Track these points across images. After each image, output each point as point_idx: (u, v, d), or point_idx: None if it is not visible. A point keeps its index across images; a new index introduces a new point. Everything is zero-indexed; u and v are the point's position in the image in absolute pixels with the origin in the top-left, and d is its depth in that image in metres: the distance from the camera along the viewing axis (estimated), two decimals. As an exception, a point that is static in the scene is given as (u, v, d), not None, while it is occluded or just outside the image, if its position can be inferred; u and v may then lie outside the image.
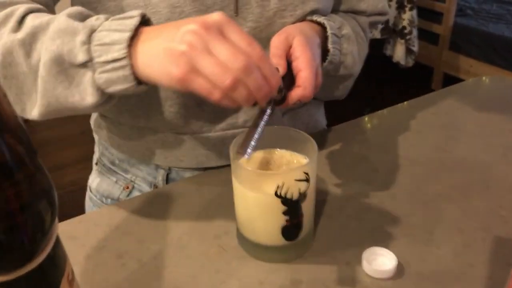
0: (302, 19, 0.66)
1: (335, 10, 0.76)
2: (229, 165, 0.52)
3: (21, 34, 0.49)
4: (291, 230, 0.51)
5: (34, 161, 0.29)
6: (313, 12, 0.66)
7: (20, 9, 0.51)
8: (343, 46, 0.68)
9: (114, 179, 0.74)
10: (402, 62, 2.43)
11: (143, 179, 0.72)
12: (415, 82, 3.02)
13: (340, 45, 0.67)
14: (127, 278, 0.51)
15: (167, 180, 0.71)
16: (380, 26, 2.26)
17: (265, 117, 0.49)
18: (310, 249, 0.54)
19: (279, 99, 0.52)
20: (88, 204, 0.79)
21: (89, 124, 0.77)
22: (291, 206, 0.49)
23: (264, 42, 0.62)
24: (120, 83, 0.48)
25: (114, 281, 0.50)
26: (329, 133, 0.78)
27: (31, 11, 0.52)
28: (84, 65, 0.48)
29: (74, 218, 0.59)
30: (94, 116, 0.75)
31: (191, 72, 0.43)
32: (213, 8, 0.60)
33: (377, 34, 2.27)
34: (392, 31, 2.32)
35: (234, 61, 0.43)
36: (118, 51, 0.46)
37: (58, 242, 0.33)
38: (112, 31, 0.47)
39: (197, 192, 0.64)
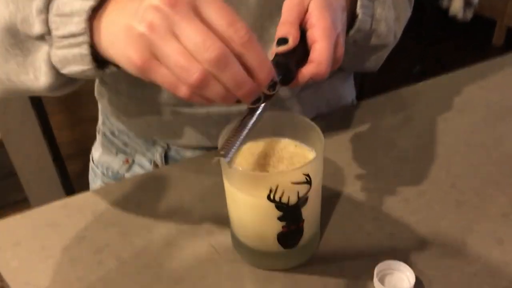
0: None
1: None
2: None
3: None
4: (289, 237, 0.43)
5: None
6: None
7: None
8: (376, 10, 0.57)
9: (114, 150, 0.68)
10: (460, 15, 2.21)
11: (143, 154, 0.65)
12: (474, 37, 2.77)
13: (372, 9, 0.56)
14: (102, 278, 0.45)
15: (166, 158, 0.64)
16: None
17: (256, 116, 0.39)
18: (313, 255, 0.46)
19: (282, 77, 0.42)
20: (91, 175, 0.73)
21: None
22: (288, 212, 0.41)
23: (280, 3, 0.52)
24: (75, 63, 0.39)
25: (87, 281, 0.45)
26: (355, 110, 0.68)
27: None
28: (42, 37, 0.40)
29: (58, 201, 0.54)
30: (96, 81, 0.68)
31: (151, 59, 0.34)
32: None
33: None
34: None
35: (205, 49, 0.32)
36: (76, 24, 0.37)
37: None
38: None
39: (195, 177, 0.56)
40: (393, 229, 0.49)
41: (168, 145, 0.63)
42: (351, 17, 0.53)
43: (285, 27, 0.44)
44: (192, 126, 0.60)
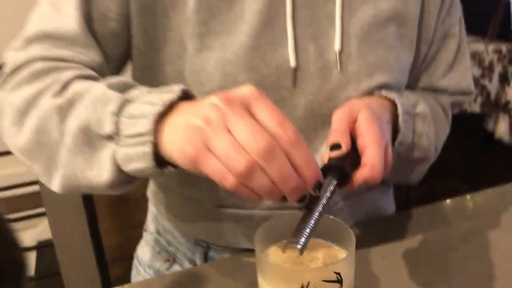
0: (369, 93, 0.60)
1: (411, 86, 0.69)
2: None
3: (60, 100, 0.48)
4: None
5: None
6: (382, 86, 0.61)
7: (68, 73, 0.51)
8: (417, 125, 0.61)
9: (158, 249, 0.71)
10: (506, 138, 2.23)
11: (184, 254, 0.68)
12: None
13: (413, 125, 0.60)
14: None
15: (206, 259, 0.66)
16: (479, 100, 2.10)
17: (321, 207, 0.42)
18: None
19: (338, 180, 0.45)
20: (133, 273, 0.76)
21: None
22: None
23: (325, 118, 0.58)
24: (137, 161, 0.43)
25: None
26: (394, 221, 0.69)
27: (78, 77, 0.51)
28: (110, 137, 0.45)
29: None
30: (150, 184, 0.74)
31: (203, 150, 0.38)
32: (269, 79, 0.57)
33: (476, 108, 2.12)
34: (494, 106, 2.15)
35: (254, 141, 0.36)
36: (144, 124, 0.43)
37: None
38: (144, 104, 0.44)
39: (232, 277, 0.58)
40: None
41: (208, 246, 0.66)
42: (394, 131, 0.57)
43: (337, 134, 0.48)
44: (234, 227, 0.63)
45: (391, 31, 0.61)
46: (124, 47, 0.60)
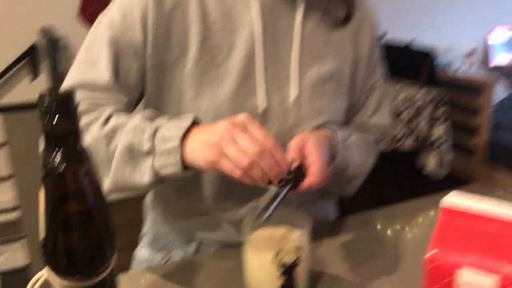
0: (316, 128, 0.84)
1: (349, 122, 0.94)
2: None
3: (105, 129, 0.70)
4: (287, 290, 0.64)
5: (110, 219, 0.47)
6: (325, 124, 0.85)
7: (108, 110, 0.73)
8: (349, 151, 0.85)
9: (158, 248, 0.91)
10: (433, 173, 2.54)
11: (180, 249, 0.88)
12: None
13: (346, 151, 0.84)
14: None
15: (198, 252, 0.87)
16: (411, 138, 2.42)
17: (280, 196, 0.65)
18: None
19: (295, 181, 0.68)
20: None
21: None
22: (287, 270, 0.63)
23: (285, 145, 0.81)
24: (171, 167, 0.66)
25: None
26: (335, 224, 0.93)
27: (115, 113, 0.74)
28: (148, 153, 0.67)
29: None
30: (148, 196, 0.94)
31: (220, 156, 0.62)
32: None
33: (408, 146, 2.42)
34: (423, 143, 2.47)
35: (251, 148, 0.61)
36: (174, 142, 0.66)
37: (113, 269, 0.49)
38: (171, 129, 0.67)
39: (220, 263, 0.79)
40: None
41: (201, 241, 0.86)
42: (334, 155, 0.80)
43: (292, 153, 0.72)
44: (221, 225, 0.84)
45: (331, 86, 0.86)
46: (139, 92, 0.81)
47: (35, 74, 2.74)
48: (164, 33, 0.78)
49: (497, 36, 4.30)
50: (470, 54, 4.20)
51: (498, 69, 4.25)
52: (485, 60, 4.33)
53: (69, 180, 0.45)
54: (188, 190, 0.84)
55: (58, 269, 0.46)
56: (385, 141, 1.00)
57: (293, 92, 0.82)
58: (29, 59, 2.71)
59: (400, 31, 3.44)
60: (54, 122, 0.43)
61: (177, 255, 0.89)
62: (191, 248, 0.88)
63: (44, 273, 0.50)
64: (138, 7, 0.77)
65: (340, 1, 0.88)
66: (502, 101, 3.71)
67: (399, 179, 2.80)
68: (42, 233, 0.46)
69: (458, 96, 3.03)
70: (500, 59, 4.31)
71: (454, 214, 0.44)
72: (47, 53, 2.60)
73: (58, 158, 0.44)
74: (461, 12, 4.07)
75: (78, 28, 2.71)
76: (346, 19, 0.87)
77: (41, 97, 0.44)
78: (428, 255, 0.43)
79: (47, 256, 0.46)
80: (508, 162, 2.94)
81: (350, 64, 0.88)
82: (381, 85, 0.95)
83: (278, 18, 0.82)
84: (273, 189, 0.73)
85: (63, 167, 0.44)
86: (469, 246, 0.42)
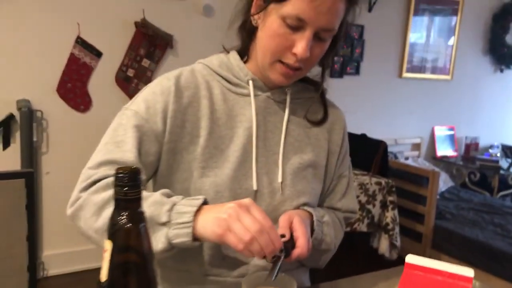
0: (298, 207, 1.01)
1: (320, 205, 1.12)
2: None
3: None
4: None
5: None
6: (305, 204, 1.02)
7: None
8: (324, 228, 1.02)
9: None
10: (387, 254, 2.74)
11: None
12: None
13: (321, 228, 1.01)
14: None
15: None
16: (366, 221, 2.63)
17: (279, 264, 0.80)
18: None
19: (286, 251, 0.84)
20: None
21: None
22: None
23: (273, 220, 0.97)
24: (183, 237, 0.80)
25: None
26: (310, 289, 1.08)
27: None
28: (164, 224, 0.81)
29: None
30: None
31: (227, 230, 0.76)
32: (241, 196, 0.96)
33: (363, 228, 2.63)
34: (377, 226, 2.68)
35: (253, 227, 0.76)
36: (188, 217, 0.80)
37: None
38: (186, 206, 0.82)
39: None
40: None
41: (194, 304, 0.99)
42: (311, 231, 0.97)
43: (282, 230, 0.88)
44: (215, 288, 0.97)
45: (309, 172, 1.05)
46: (154, 171, 0.97)
47: (7, 143, 2.81)
48: (179, 124, 0.96)
49: (439, 132, 4.76)
50: (415, 147, 4.60)
51: (443, 160, 4.66)
52: (430, 152, 4.74)
53: (131, 236, 0.60)
54: (186, 255, 0.97)
55: (115, 306, 0.59)
56: (350, 220, 1.19)
57: (279, 177, 1.00)
58: (4, 129, 2.80)
59: (351, 125, 3.78)
60: (125, 191, 0.59)
61: (173, 314, 1.00)
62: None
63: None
64: (161, 102, 0.95)
65: (319, 106, 1.10)
66: (442, 192, 4.05)
67: (357, 259, 2.98)
68: (103, 277, 0.60)
69: (406, 184, 3.32)
70: (443, 152, 4.73)
71: (413, 268, 0.61)
72: (22, 124, 2.71)
73: (124, 219, 0.59)
74: (406, 110, 4.52)
75: (53, 102, 2.85)
76: (322, 120, 1.09)
77: (116, 172, 0.59)
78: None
79: (108, 295, 0.60)
80: (449, 247, 3.19)
81: (324, 156, 1.08)
82: (348, 174, 1.16)
83: (269, 116, 1.02)
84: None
85: (128, 225, 0.59)
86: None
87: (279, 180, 1.01)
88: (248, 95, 1.01)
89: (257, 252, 0.77)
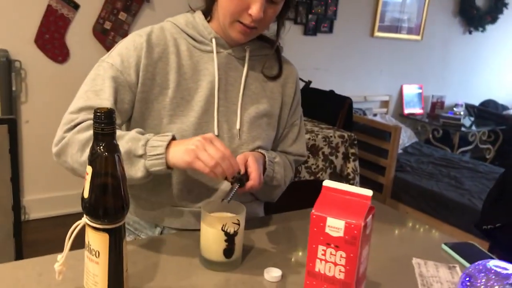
0: (253, 150, 1.18)
1: (274, 149, 1.29)
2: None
3: None
4: (228, 251, 0.96)
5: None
6: (259, 147, 1.20)
7: None
8: (275, 167, 1.20)
9: (127, 233, 1.19)
10: (348, 202, 2.97)
11: (146, 234, 1.18)
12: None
13: (273, 167, 1.19)
14: None
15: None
16: (328, 171, 2.84)
17: (234, 189, 0.98)
18: (238, 266, 0.99)
19: (241, 181, 1.02)
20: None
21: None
22: (229, 237, 0.95)
23: (235, 154, 1.14)
24: (158, 166, 0.97)
25: None
26: (263, 219, 1.27)
27: None
28: (141, 156, 0.97)
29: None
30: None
31: (195, 158, 0.93)
32: None
33: (326, 177, 2.83)
34: (339, 176, 2.90)
35: (216, 154, 0.93)
36: (161, 150, 0.96)
37: (124, 221, 0.80)
38: (158, 140, 0.98)
39: (180, 240, 1.10)
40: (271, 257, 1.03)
41: (163, 228, 1.17)
42: (264, 169, 1.15)
43: (239, 165, 1.04)
44: (182, 216, 1.15)
45: (264, 121, 1.21)
46: (128, 117, 1.12)
47: (-13, 92, 2.89)
48: (150, 77, 1.10)
49: (408, 90, 4.96)
50: (384, 104, 4.81)
51: (409, 118, 4.89)
52: (398, 109, 4.96)
53: (108, 162, 0.76)
54: (159, 190, 1.14)
55: (95, 217, 0.76)
56: (300, 163, 1.37)
57: (237, 124, 1.17)
58: (-17, 77, 2.87)
59: (323, 82, 3.94)
60: (102, 126, 0.75)
61: (144, 236, 1.18)
62: (156, 232, 1.18)
63: (82, 221, 0.79)
64: (134, 56, 1.09)
65: (274, 62, 1.25)
66: (406, 147, 4.30)
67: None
68: (86, 194, 0.76)
69: (370, 139, 3.54)
70: (410, 110, 4.95)
71: (328, 189, 0.80)
72: (1, 74, 2.79)
73: (102, 149, 0.75)
74: (376, 68, 4.69)
75: (32, 53, 2.93)
76: (277, 75, 1.25)
77: (95, 111, 0.75)
78: (313, 211, 0.78)
79: (88, 208, 0.76)
80: (407, 197, 3.46)
81: (278, 106, 1.25)
82: (299, 123, 1.33)
83: (230, 71, 1.18)
84: (222, 187, 1.08)
85: (105, 154, 0.75)
86: (333, 207, 0.77)
87: (237, 127, 1.17)
88: (211, 51, 1.16)
89: (220, 174, 0.95)
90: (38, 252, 1.01)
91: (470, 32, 5.26)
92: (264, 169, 1.15)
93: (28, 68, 2.94)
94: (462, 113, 4.68)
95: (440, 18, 5.00)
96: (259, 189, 1.07)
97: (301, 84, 3.16)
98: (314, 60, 4.17)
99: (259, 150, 1.19)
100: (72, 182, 2.83)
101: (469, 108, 5.21)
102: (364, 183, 3.31)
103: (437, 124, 4.70)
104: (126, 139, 0.99)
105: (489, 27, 5.32)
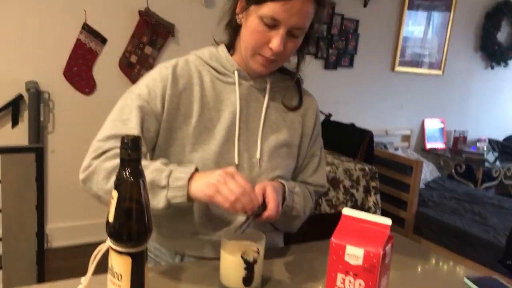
0: (273, 179, 1.20)
1: (294, 179, 1.31)
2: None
3: None
4: (247, 280, 0.97)
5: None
6: (279, 177, 1.21)
7: None
8: (294, 198, 1.21)
9: (148, 260, 1.21)
10: (368, 236, 2.94)
11: (166, 262, 1.19)
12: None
13: (292, 197, 1.20)
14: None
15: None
16: (349, 204, 2.82)
17: (250, 220, 0.99)
18: (257, 296, 1.00)
19: (258, 213, 1.03)
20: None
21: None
22: (248, 265, 0.96)
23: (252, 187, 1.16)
24: (179, 198, 0.99)
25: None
26: (282, 249, 1.27)
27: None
28: (164, 187, 1.00)
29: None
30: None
31: (216, 192, 0.95)
32: None
33: (346, 210, 2.83)
34: (360, 210, 2.88)
35: (237, 189, 0.95)
36: (183, 182, 0.99)
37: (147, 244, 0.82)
38: (181, 172, 1.00)
39: (199, 269, 1.10)
40: (294, 291, 1.03)
41: (184, 255, 1.18)
42: (283, 199, 1.16)
43: (258, 195, 1.06)
44: (202, 245, 1.16)
45: (284, 150, 1.23)
46: (154, 145, 1.16)
47: (16, 122, 2.99)
48: (175, 107, 1.14)
49: (429, 125, 4.94)
50: (405, 138, 4.79)
51: (431, 152, 4.85)
52: (420, 144, 4.93)
53: (133, 187, 0.78)
54: (179, 217, 1.16)
55: (118, 240, 0.78)
56: (320, 194, 1.38)
57: (257, 153, 1.19)
58: (13, 108, 2.98)
59: (344, 115, 3.96)
60: (128, 152, 0.77)
61: (164, 264, 1.19)
62: (176, 259, 1.19)
63: (106, 245, 0.81)
64: (160, 87, 1.13)
65: (295, 94, 1.28)
66: (428, 182, 4.24)
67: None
68: (111, 218, 0.78)
69: (392, 173, 3.51)
70: (432, 144, 4.92)
71: (348, 218, 0.80)
72: (30, 104, 2.89)
73: (127, 174, 0.78)
74: (397, 103, 4.69)
75: (60, 84, 3.03)
76: (297, 106, 1.27)
77: (122, 138, 0.78)
78: (332, 239, 0.79)
79: (112, 232, 0.78)
80: (429, 232, 3.39)
81: (298, 137, 1.27)
82: (320, 154, 1.34)
83: (251, 102, 1.21)
84: (240, 219, 1.09)
85: (130, 179, 0.78)
86: (353, 235, 0.78)
87: (257, 156, 1.19)
88: (234, 83, 1.19)
89: (240, 209, 0.96)
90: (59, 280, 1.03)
91: (492, 67, 5.25)
92: (284, 199, 1.16)
93: (56, 99, 3.04)
94: (485, 148, 4.63)
95: (462, 53, 5.02)
96: (276, 219, 1.08)
97: (322, 117, 3.18)
98: (335, 94, 4.21)
99: (279, 180, 1.20)
100: (94, 211, 2.88)
101: (492, 143, 5.15)
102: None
103: (460, 159, 4.65)
104: (150, 169, 1.02)
105: (511, 62, 5.30)
